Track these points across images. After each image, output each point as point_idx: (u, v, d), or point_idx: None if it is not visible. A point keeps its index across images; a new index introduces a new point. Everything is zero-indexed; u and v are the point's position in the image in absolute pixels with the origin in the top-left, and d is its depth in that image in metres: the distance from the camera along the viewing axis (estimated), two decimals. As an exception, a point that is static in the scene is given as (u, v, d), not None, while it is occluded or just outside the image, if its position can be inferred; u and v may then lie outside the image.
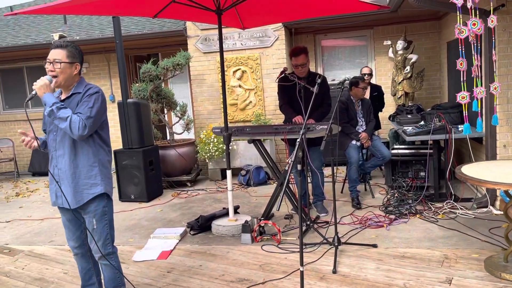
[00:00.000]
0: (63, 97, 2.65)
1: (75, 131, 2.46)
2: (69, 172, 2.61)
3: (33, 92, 2.49)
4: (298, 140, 2.71)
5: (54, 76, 2.55)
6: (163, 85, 7.14)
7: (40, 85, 2.48)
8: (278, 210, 2.83)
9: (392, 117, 6.23)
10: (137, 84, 6.77)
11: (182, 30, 7.27)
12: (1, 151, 9.13)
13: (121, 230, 4.78)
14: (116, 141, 7.98)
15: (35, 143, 2.62)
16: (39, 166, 8.67)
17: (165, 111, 7.29)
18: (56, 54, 2.56)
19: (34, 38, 8.53)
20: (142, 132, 6.01)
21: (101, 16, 9.07)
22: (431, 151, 4.99)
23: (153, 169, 6.14)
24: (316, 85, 3.34)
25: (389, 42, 6.87)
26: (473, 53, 3.28)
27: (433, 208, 4.66)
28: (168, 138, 7.29)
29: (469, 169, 3.33)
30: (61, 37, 7.94)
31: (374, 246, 3.79)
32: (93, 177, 2.64)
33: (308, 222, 4.24)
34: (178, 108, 7.04)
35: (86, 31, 8.45)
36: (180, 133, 7.15)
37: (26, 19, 10.09)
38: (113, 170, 8.19)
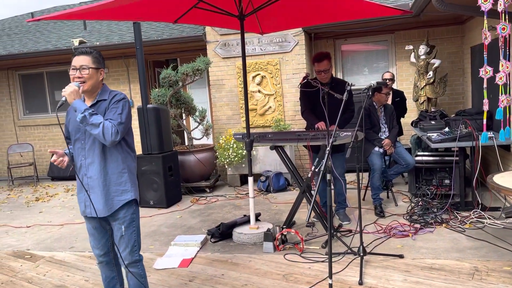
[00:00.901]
0: (87, 104, 2.62)
1: (108, 137, 2.44)
2: (100, 179, 2.58)
3: (63, 99, 2.47)
4: (327, 150, 2.63)
5: (82, 83, 2.53)
6: (182, 90, 7.13)
7: (70, 91, 2.45)
8: (308, 220, 2.77)
9: (414, 123, 6.11)
10: (157, 90, 6.77)
11: (201, 35, 7.26)
12: (21, 156, 9.25)
13: (141, 236, 4.74)
14: (135, 146, 8.00)
15: (66, 161, 2.62)
16: (58, 171, 8.75)
17: (184, 117, 7.28)
18: (82, 60, 2.54)
19: (54, 44, 8.63)
20: (162, 138, 6.00)
21: (121, 22, 9.14)
22: (457, 158, 4.86)
23: (172, 175, 6.12)
24: (346, 93, 3.26)
25: (411, 47, 6.76)
26: (500, 58, 3.17)
27: (459, 217, 4.53)
28: (186, 143, 7.27)
29: (502, 179, 3.21)
30: (81, 42, 8.02)
31: (401, 256, 3.68)
32: (123, 183, 2.63)
33: (331, 231, 4.14)
34: (197, 113, 7.02)
35: (105, 36, 8.52)
36: (199, 139, 7.13)
37: (47, 25, 10.23)
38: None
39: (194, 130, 7.20)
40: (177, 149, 6.78)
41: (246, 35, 6.85)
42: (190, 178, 6.67)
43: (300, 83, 4.47)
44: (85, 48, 2.61)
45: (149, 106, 5.93)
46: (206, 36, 7.22)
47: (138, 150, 6.98)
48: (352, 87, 3.54)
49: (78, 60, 2.54)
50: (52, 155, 2.58)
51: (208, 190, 6.72)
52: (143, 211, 5.86)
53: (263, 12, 4.53)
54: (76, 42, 7.99)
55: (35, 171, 8.79)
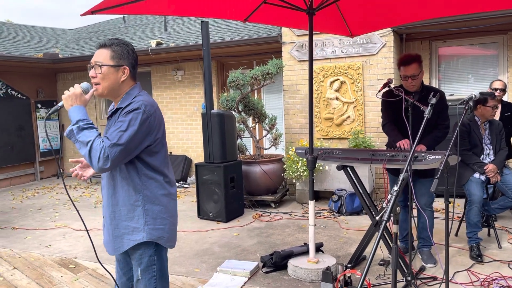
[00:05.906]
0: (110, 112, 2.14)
1: (94, 161, 1.83)
2: (107, 209, 2.06)
3: (59, 104, 1.97)
4: (401, 178, 1.87)
5: (96, 84, 1.98)
6: (255, 94, 6.63)
7: (68, 95, 1.92)
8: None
9: (529, 145, 4.91)
10: (226, 94, 6.35)
11: (277, 36, 6.69)
12: (102, 154, 9.47)
13: (190, 255, 4.29)
14: (199, 153, 7.75)
15: (87, 175, 2.19)
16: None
17: (254, 124, 6.75)
18: (98, 56, 1.97)
19: (135, 45, 8.66)
20: (225, 146, 5.53)
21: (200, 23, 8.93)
22: None
23: (234, 187, 5.61)
24: (429, 107, 2.44)
25: (529, 50, 5.51)
26: None
27: None
28: (254, 152, 6.75)
29: None
30: (158, 43, 7.92)
31: (503, 327, 2.74)
32: (135, 219, 2.01)
33: (409, 278, 3.29)
34: (267, 120, 6.46)
35: (183, 38, 8.35)
36: (267, 148, 6.57)
37: (134, 27, 10.43)
38: (193, 184, 7.86)
39: (263, 138, 6.65)
40: (242, 158, 6.27)
41: (325, 36, 6.19)
42: (254, 191, 6.13)
43: (379, 91, 3.68)
44: (107, 40, 2.01)
45: (213, 111, 5.50)
46: (282, 37, 6.63)
47: (201, 158, 6.55)
48: (451, 97, 2.71)
49: (95, 55, 1.98)
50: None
51: (273, 206, 6.11)
52: (201, 223, 5.44)
53: (348, 10, 3.85)
54: (153, 43, 7.90)
55: (112, 170, 8.90)
